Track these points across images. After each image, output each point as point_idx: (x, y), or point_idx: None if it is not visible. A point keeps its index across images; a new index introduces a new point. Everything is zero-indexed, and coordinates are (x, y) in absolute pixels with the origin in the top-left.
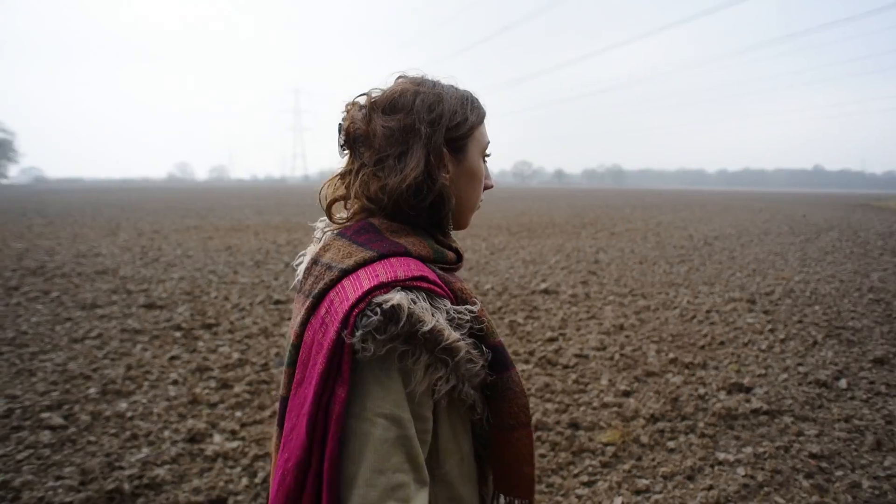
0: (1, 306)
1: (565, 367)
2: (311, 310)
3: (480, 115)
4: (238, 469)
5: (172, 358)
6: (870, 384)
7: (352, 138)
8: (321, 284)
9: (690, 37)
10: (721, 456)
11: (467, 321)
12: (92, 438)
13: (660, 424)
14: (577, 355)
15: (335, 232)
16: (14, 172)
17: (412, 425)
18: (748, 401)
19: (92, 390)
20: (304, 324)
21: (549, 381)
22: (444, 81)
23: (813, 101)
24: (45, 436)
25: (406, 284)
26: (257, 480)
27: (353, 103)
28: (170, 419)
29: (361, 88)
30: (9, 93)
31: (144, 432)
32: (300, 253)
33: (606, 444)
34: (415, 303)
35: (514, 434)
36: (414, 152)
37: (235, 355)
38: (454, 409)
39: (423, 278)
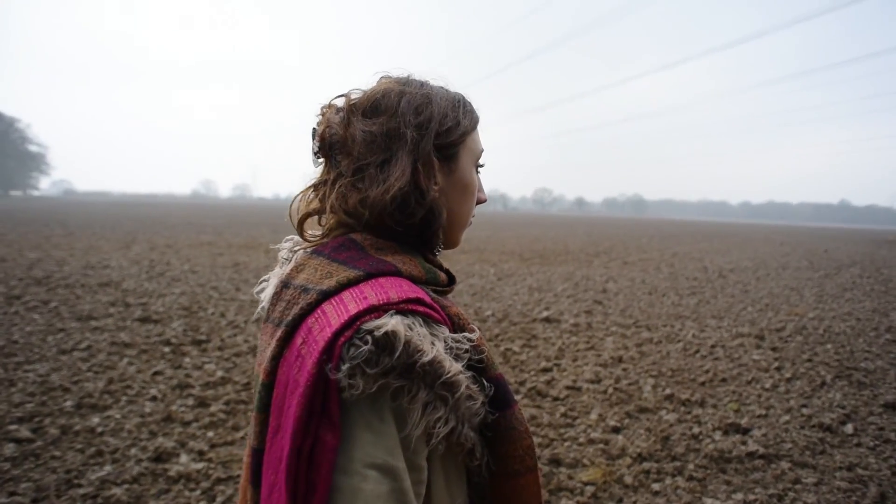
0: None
1: (555, 399)
2: (285, 341)
3: (474, 121)
4: (197, 492)
5: (156, 373)
6: (878, 430)
7: (327, 144)
8: (295, 310)
9: (715, 68)
10: (708, 502)
11: (466, 351)
12: (57, 453)
13: (646, 464)
14: (569, 387)
15: (310, 250)
16: (45, 185)
17: (407, 476)
18: (744, 443)
19: (68, 403)
20: (276, 358)
21: (537, 413)
22: (434, 82)
23: (840, 134)
24: (9, 449)
25: (400, 308)
26: None
27: (330, 105)
28: (140, 436)
29: None
30: (44, 108)
31: (111, 449)
32: (262, 279)
33: (587, 483)
34: (412, 329)
35: (520, 481)
36: (399, 160)
37: (219, 373)
38: (449, 455)
39: (418, 301)
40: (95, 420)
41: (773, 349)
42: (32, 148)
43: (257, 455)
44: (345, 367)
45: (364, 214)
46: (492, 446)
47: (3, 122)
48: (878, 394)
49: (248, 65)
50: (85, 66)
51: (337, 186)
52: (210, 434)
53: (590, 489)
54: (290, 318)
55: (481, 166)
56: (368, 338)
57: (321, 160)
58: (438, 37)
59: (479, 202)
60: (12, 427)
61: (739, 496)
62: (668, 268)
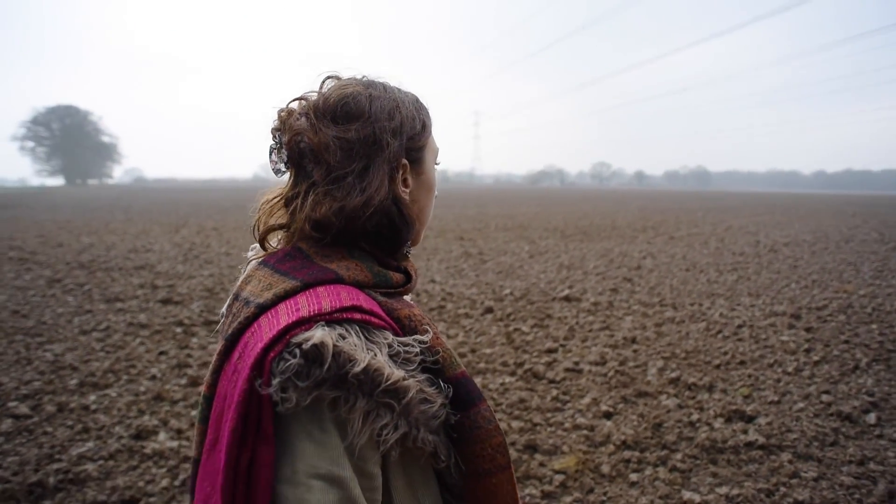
0: (38, 297)
1: (551, 381)
2: (224, 354)
3: (431, 121)
4: (163, 469)
5: (161, 353)
6: None
7: (296, 153)
8: (235, 324)
9: (782, 30)
10: (686, 495)
11: (417, 354)
12: (49, 429)
13: (628, 453)
14: (569, 369)
15: (259, 261)
16: (118, 173)
17: (356, 484)
18: (745, 431)
19: (73, 382)
20: (217, 371)
21: (527, 396)
22: (386, 82)
23: None
24: (6, 424)
25: (333, 318)
26: (176, 483)
27: (289, 111)
28: (128, 414)
29: (439, 98)
30: (115, 101)
31: (98, 426)
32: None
33: (557, 472)
34: (344, 338)
35: (491, 480)
36: (378, 168)
37: None
38: (410, 459)
39: (355, 308)
40: (92, 398)
41: (808, 329)
42: (105, 139)
43: (195, 465)
44: (275, 382)
45: (334, 225)
46: (459, 447)
47: (78, 116)
48: None
49: (309, 55)
50: (152, 60)
51: (310, 197)
52: (194, 412)
53: (559, 478)
54: (230, 331)
55: (437, 164)
56: (297, 351)
57: (285, 170)
58: (488, 12)
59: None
60: (12, 404)
61: (724, 490)
62: (716, 242)
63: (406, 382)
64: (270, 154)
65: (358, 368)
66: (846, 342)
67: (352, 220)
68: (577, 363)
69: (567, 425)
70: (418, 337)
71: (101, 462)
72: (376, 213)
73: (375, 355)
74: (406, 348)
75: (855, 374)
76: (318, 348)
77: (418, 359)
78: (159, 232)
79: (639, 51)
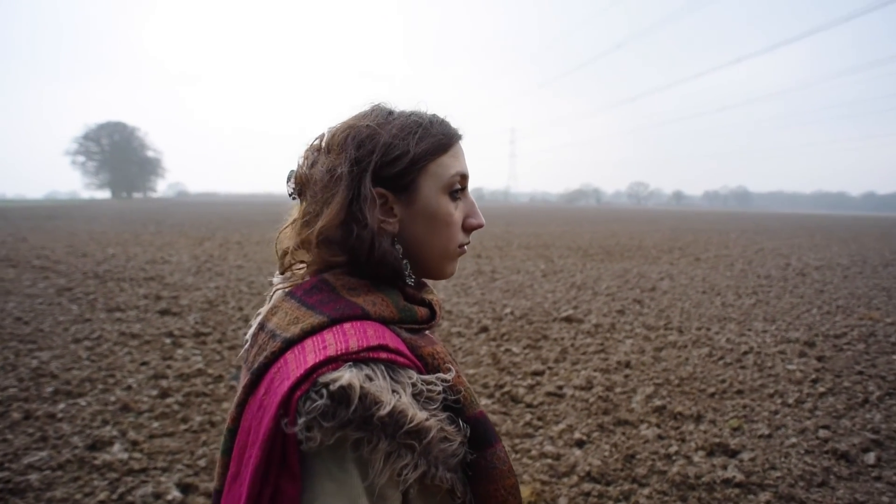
0: (44, 305)
1: (528, 405)
2: (250, 388)
3: (435, 145)
4: (105, 482)
5: (143, 364)
6: None
7: (299, 184)
8: (261, 358)
9: (829, 47)
10: None
11: (440, 392)
12: (10, 437)
13: (590, 485)
14: (551, 393)
15: (286, 291)
16: (162, 187)
17: None
18: (724, 467)
19: (49, 389)
20: (242, 405)
21: (500, 420)
22: (403, 109)
23: None
24: None
25: (360, 357)
26: (114, 496)
27: (311, 146)
28: (91, 424)
29: (476, 115)
30: (159, 115)
31: (57, 435)
32: (256, 313)
33: None
34: (371, 380)
35: None
36: (337, 195)
37: (199, 365)
38: (428, 496)
39: (382, 347)
40: (61, 406)
41: (819, 358)
42: (150, 153)
43: (216, 496)
44: (301, 421)
45: (311, 249)
46: (473, 485)
47: (126, 131)
48: None
49: (361, 74)
50: (198, 75)
51: (300, 224)
52: (155, 424)
53: None
54: (256, 366)
55: (458, 190)
56: (324, 391)
57: (297, 198)
58: (529, 28)
59: (470, 228)
60: None
61: None
62: (743, 265)
63: (428, 423)
64: (287, 181)
65: (384, 412)
66: (860, 373)
67: (315, 245)
68: (560, 387)
69: (534, 453)
70: (441, 376)
71: (47, 472)
72: (332, 237)
73: (400, 397)
74: (429, 387)
75: (863, 409)
76: (346, 390)
77: (440, 397)
78: (183, 244)
79: (678, 68)
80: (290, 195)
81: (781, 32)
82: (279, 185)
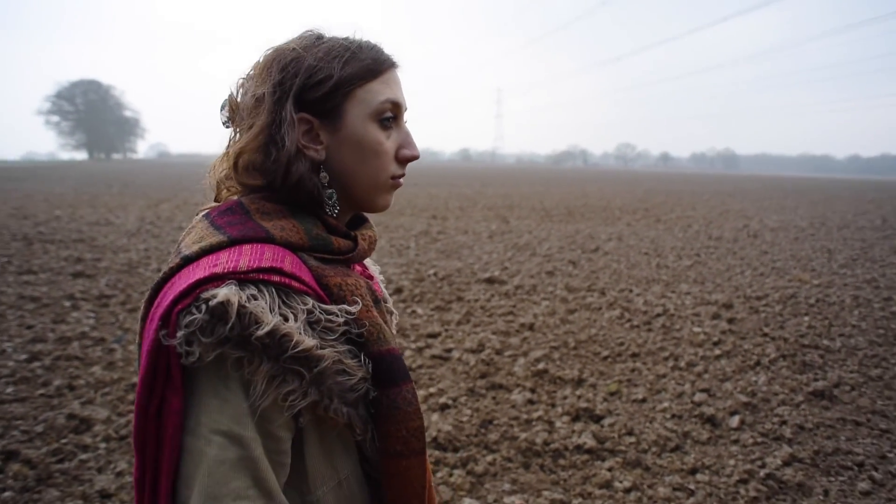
0: None
1: (407, 369)
2: (149, 303)
3: (363, 69)
4: None
5: (29, 327)
6: (777, 424)
7: (231, 112)
8: (161, 274)
9: (815, 6)
10: (468, 503)
11: (340, 324)
12: None
13: (434, 452)
14: (436, 356)
15: (205, 212)
16: (143, 148)
17: (258, 444)
18: (580, 433)
19: None
20: (143, 319)
21: None
22: (336, 35)
23: None
24: None
25: (249, 277)
26: None
27: (246, 74)
28: None
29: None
30: (138, 76)
31: None
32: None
33: None
34: (256, 299)
35: (402, 463)
36: (258, 120)
37: (84, 329)
38: (328, 427)
39: (274, 270)
40: None
41: (730, 320)
42: (128, 113)
43: None
44: (180, 335)
45: (233, 176)
46: (376, 424)
47: (101, 90)
48: (814, 379)
49: (332, 26)
50: (175, 36)
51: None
52: (9, 389)
53: None
54: (157, 281)
55: (389, 118)
56: (203, 306)
57: (229, 127)
58: None
59: (404, 159)
60: None
61: (511, 499)
62: (702, 226)
63: (320, 352)
64: (220, 109)
65: (262, 331)
66: (765, 335)
67: (236, 168)
68: (448, 350)
69: None
70: (344, 307)
71: None
72: (258, 163)
73: (287, 320)
74: (328, 317)
75: (752, 372)
76: (223, 305)
77: (341, 329)
78: (140, 206)
79: (665, 27)
80: (223, 123)
81: None
82: None
